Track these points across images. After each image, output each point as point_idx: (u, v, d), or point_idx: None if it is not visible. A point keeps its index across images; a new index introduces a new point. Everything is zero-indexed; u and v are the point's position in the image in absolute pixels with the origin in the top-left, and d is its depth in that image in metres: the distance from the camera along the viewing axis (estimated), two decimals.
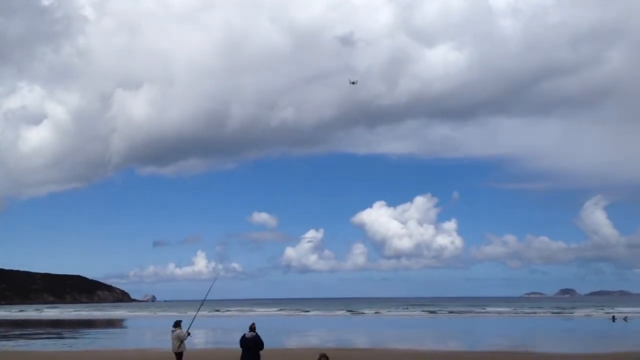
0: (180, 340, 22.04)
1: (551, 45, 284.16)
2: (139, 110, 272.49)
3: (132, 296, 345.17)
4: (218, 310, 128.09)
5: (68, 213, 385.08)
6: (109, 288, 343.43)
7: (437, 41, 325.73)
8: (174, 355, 22.21)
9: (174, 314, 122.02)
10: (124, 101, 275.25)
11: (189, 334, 22.30)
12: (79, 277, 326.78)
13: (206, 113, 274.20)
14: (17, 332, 62.42)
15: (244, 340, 19.51)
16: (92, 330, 67.79)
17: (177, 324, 22.56)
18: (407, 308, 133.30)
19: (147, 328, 71.96)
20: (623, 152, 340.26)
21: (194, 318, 23.48)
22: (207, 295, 25.57)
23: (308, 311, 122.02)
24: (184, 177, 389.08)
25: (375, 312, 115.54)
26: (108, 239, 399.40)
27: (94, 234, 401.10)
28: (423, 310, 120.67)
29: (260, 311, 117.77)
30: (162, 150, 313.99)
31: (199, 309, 26.24)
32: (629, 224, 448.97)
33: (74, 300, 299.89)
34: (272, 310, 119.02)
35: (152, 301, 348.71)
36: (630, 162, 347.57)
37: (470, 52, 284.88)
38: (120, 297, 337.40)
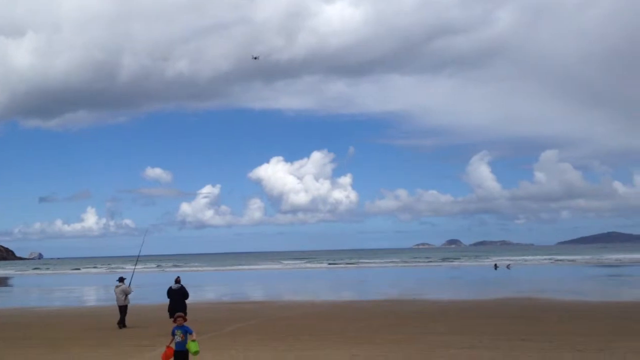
0: (126, 294, 23.80)
1: (444, 4, 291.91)
2: (22, 59, 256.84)
3: (17, 254, 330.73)
4: (110, 266, 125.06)
5: None
6: None
7: None
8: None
9: (62, 271, 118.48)
10: (5, 49, 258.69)
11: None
12: None
13: (95, 63, 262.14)
14: None
15: (170, 291, 22.18)
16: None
17: (121, 280, 24.32)
18: (307, 260, 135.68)
19: (32, 286, 69.50)
20: (508, 110, 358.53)
21: (133, 274, 25.30)
22: (140, 250, 27.48)
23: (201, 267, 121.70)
24: (71, 130, 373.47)
25: (269, 266, 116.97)
26: None
27: None
28: (317, 263, 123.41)
29: (145, 268, 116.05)
30: (48, 102, 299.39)
31: (135, 264, 29.06)
32: (511, 178, 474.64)
33: None
34: (151, 267, 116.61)
35: (39, 259, 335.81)
36: (515, 120, 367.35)
37: (366, 9, 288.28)
38: (4, 254, 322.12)
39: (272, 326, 23.73)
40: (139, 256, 28.06)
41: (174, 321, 12.89)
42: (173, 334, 12.70)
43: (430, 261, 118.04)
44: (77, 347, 19.06)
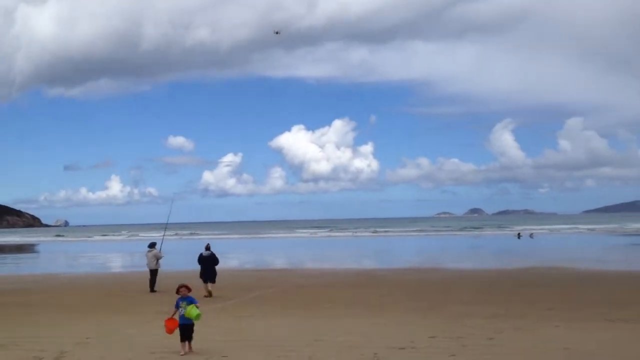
0: (157, 259, 24.98)
1: None
2: (45, 28, 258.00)
3: (44, 221, 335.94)
4: (137, 235, 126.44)
5: None
6: (18, 213, 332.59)
7: None
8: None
9: (88, 238, 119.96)
10: (28, 17, 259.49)
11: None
12: None
13: (117, 32, 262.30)
14: None
15: (202, 258, 23.01)
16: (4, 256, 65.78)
17: (152, 245, 25.46)
18: (329, 229, 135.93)
19: (57, 253, 70.37)
20: (532, 77, 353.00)
21: (162, 240, 26.31)
22: (168, 218, 29.72)
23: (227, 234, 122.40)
24: (94, 99, 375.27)
25: (290, 235, 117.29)
26: (15, 164, 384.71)
27: (0, 158, 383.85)
28: (338, 232, 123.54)
29: (175, 235, 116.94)
30: (70, 70, 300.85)
31: (164, 232, 29.68)
32: (535, 147, 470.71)
33: None
34: (184, 234, 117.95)
35: (65, 226, 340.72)
36: (539, 87, 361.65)
37: None
38: (31, 222, 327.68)
39: (293, 294, 23.63)
40: (167, 224, 29.85)
41: (177, 292, 12.14)
42: (177, 306, 11.98)
43: (452, 230, 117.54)
44: (95, 313, 19.06)
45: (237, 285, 26.13)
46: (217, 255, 23.31)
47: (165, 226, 30.28)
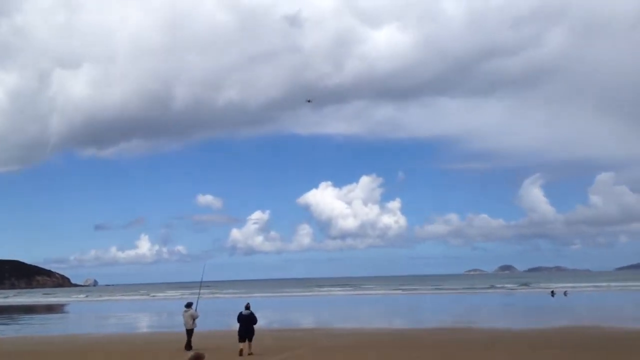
0: (193, 319, 25.71)
1: (494, 26, 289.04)
2: (79, 90, 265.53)
3: (73, 281, 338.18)
4: (153, 296, 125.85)
5: (5, 196, 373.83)
6: (48, 273, 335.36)
7: (382, 22, 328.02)
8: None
9: (118, 297, 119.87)
10: (63, 80, 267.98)
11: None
12: (16, 262, 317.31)
13: (149, 93, 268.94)
14: None
15: (241, 317, 23.59)
16: (33, 316, 65.53)
17: (189, 305, 26.20)
18: (356, 287, 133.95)
19: (89, 313, 69.98)
20: (561, 131, 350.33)
21: (198, 300, 27.04)
22: (202, 277, 30.44)
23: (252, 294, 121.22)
24: (126, 158, 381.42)
25: (319, 292, 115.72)
26: (47, 223, 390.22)
27: (32, 218, 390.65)
28: (367, 290, 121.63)
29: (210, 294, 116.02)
30: (103, 132, 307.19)
31: (199, 290, 30.88)
32: (566, 202, 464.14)
33: (12, 286, 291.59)
34: (219, 292, 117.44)
35: (94, 285, 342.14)
36: (568, 141, 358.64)
37: (414, 33, 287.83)
38: (60, 282, 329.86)
39: (320, 356, 22.73)
40: (201, 282, 30.57)
41: None
42: None
43: (483, 288, 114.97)
44: None
45: (263, 346, 25.28)
46: (255, 315, 23.82)
47: (200, 285, 31.11)
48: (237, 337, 23.43)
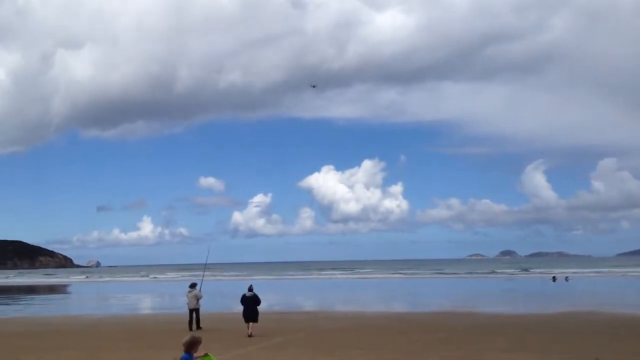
0: (197, 299, 26.26)
1: (497, 11, 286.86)
2: (82, 71, 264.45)
3: (76, 262, 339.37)
4: (156, 276, 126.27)
5: (7, 177, 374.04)
6: (50, 253, 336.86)
7: (386, 5, 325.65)
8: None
9: (118, 279, 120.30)
10: (65, 61, 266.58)
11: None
12: (19, 242, 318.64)
13: (151, 75, 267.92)
14: None
15: (244, 298, 23.82)
16: (33, 297, 65.77)
17: (193, 286, 26.75)
18: (358, 270, 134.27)
19: (94, 293, 70.25)
20: (564, 117, 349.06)
21: (202, 281, 27.80)
22: (207, 259, 31.18)
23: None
24: (128, 140, 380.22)
25: (321, 276, 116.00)
26: (49, 204, 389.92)
27: (34, 199, 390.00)
28: (368, 274, 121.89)
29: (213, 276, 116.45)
30: (106, 113, 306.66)
31: (204, 272, 30.99)
32: (568, 188, 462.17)
33: (15, 266, 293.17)
34: (221, 275, 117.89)
35: (97, 266, 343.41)
36: (571, 127, 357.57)
37: (418, 17, 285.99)
38: (63, 262, 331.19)
39: (320, 339, 22.64)
40: (206, 264, 31.17)
41: (190, 348, 9.13)
42: None
43: (484, 272, 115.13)
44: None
45: (263, 328, 25.21)
46: (259, 296, 24.11)
47: (204, 266, 31.56)
48: (238, 319, 23.62)
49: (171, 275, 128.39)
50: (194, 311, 26.28)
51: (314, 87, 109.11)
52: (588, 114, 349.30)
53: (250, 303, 23.73)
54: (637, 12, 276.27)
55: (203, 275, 29.94)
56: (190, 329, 25.53)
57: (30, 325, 30.98)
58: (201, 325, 26.15)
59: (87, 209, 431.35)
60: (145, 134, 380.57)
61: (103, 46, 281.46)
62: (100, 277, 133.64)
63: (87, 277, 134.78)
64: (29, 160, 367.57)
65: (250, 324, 23.40)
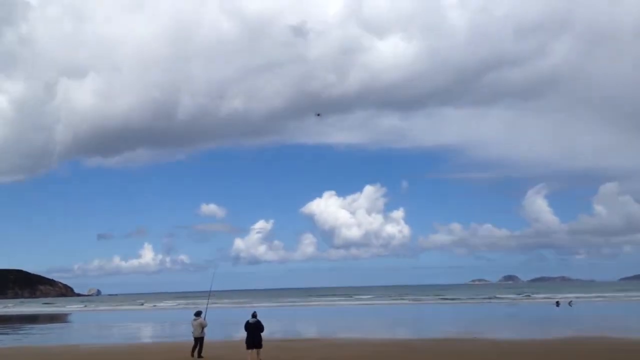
0: (202, 327, 26.36)
1: (498, 37, 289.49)
2: (84, 100, 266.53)
3: (76, 290, 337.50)
4: (160, 303, 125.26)
5: (9, 205, 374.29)
6: (51, 282, 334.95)
7: (387, 32, 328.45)
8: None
9: (129, 307, 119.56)
10: (68, 90, 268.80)
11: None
12: (20, 271, 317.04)
13: (154, 103, 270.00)
14: None
15: (248, 325, 23.90)
16: (33, 326, 65.12)
17: (198, 314, 26.82)
18: (357, 297, 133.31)
19: (91, 323, 69.58)
20: (565, 142, 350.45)
21: (206, 309, 27.56)
22: (211, 287, 30.92)
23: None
24: (130, 168, 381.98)
25: (322, 302, 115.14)
26: (51, 233, 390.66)
27: (36, 227, 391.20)
28: (371, 300, 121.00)
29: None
30: (108, 141, 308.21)
31: (208, 299, 30.99)
32: (570, 212, 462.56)
33: (15, 296, 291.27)
34: (223, 302, 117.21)
35: (97, 295, 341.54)
36: (572, 152, 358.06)
37: (419, 43, 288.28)
38: (64, 291, 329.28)
39: None
40: (210, 291, 30.95)
41: None
42: None
43: (487, 297, 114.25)
44: None
45: (266, 356, 24.89)
46: (262, 323, 24.11)
47: (208, 294, 31.50)
48: (241, 345, 23.65)
49: (170, 303, 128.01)
50: (199, 340, 26.43)
51: (318, 115, 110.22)
52: (589, 139, 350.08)
53: (254, 330, 23.82)
54: (637, 36, 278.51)
55: (207, 303, 29.98)
56: (192, 355, 26.01)
57: (26, 356, 30.54)
58: (202, 354, 26.13)
59: (88, 237, 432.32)
60: (147, 161, 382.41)
61: (105, 75, 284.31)
62: (97, 306, 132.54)
63: (85, 306, 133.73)
64: (31, 188, 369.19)
65: (254, 350, 23.60)
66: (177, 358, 26.26)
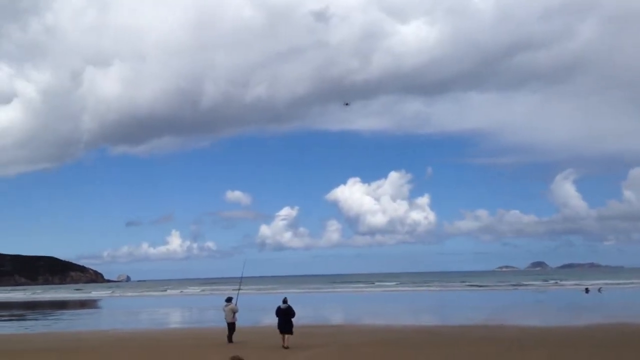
0: (234, 312, 26.89)
1: (523, 19, 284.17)
2: (110, 88, 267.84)
3: (106, 277, 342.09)
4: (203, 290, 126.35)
5: (38, 193, 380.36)
6: (81, 269, 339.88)
7: (410, 16, 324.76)
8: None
9: (153, 293, 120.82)
10: (94, 79, 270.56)
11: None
12: (50, 258, 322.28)
13: (179, 91, 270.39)
14: None
15: (279, 310, 24.65)
16: (77, 311, 65.96)
17: (229, 300, 27.57)
18: (382, 284, 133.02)
19: (119, 308, 70.27)
20: (593, 125, 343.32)
21: (238, 295, 28.07)
22: (242, 274, 31.14)
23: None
24: (157, 156, 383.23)
25: (348, 288, 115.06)
26: (80, 220, 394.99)
27: (65, 215, 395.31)
28: (392, 286, 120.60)
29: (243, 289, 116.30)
30: (134, 129, 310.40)
31: (239, 286, 31.07)
32: (599, 197, 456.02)
33: (46, 282, 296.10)
34: (250, 288, 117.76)
35: (127, 281, 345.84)
36: (600, 135, 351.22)
37: (442, 27, 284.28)
38: (94, 277, 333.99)
39: (347, 354, 22.00)
40: (241, 278, 31.41)
41: None
42: None
43: (515, 284, 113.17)
44: None
45: (290, 342, 24.74)
46: (293, 309, 24.67)
47: (240, 280, 31.94)
48: (268, 331, 24.86)
49: (195, 289, 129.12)
50: (231, 325, 26.83)
51: (347, 105, 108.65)
52: (618, 122, 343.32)
53: (285, 315, 24.40)
54: None
55: (239, 289, 30.38)
56: (230, 341, 26.30)
57: (55, 341, 30.79)
58: (233, 339, 26.42)
59: (117, 224, 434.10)
60: (172, 149, 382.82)
61: (130, 63, 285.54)
62: (124, 292, 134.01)
63: (112, 292, 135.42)
64: (59, 177, 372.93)
65: (286, 335, 24.07)
66: (203, 344, 26.20)
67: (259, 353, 22.03)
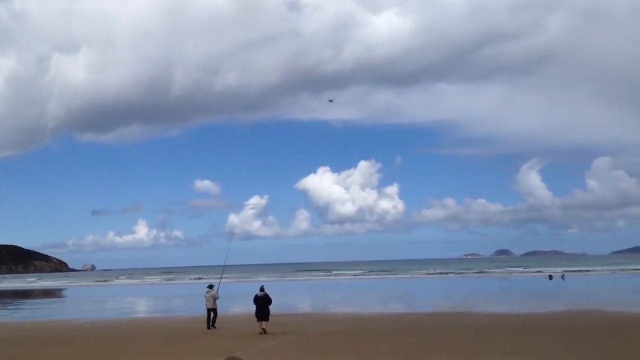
0: (214, 299, 27.91)
1: (493, 11, 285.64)
2: (77, 75, 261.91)
3: (71, 266, 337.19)
4: (171, 279, 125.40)
5: (2, 181, 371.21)
6: (45, 258, 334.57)
7: (382, 7, 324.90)
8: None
9: (115, 282, 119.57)
10: (61, 65, 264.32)
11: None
12: (14, 246, 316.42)
13: (147, 78, 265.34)
14: None
15: (257, 298, 25.48)
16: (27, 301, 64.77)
17: (211, 287, 28.61)
18: (350, 272, 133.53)
19: (85, 297, 69.28)
20: (559, 117, 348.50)
21: (219, 283, 29.42)
22: (225, 262, 33.57)
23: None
24: (124, 144, 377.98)
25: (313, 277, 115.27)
26: (45, 208, 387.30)
27: (29, 203, 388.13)
28: (363, 274, 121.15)
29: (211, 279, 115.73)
30: (102, 116, 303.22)
31: (221, 275, 32.68)
32: (563, 186, 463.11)
33: (10, 271, 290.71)
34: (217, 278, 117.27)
35: (91, 270, 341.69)
36: (566, 127, 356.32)
37: (414, 18, 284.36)
38: (58, 266, 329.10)
39: (313, 343, 21.80)
40: (224, 266, 33.30)
41: None
42: None
43: (480, 272, 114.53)
44: None
45: (252, 332, 24.56)
46: (270, 296, 25.53)
47: (222, 269, 33.22)
48: (242, 318, 26.50)
49: (156, 278, 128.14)
50: (212, 311, 27.75)
51: (331, 101, 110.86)
52: (583, 114, 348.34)
53: (262, 302, 25.19)
54: (633, 11, 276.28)
55: (221, 277, 31.58)
56: (208, 327, 27.21)
57: (13, 330, 30.12)
58: (216, 325, 27.46)
59: (83, 212, 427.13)
60: (140, 137, 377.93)
61: (99, 50, 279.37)
62: (78, 281, 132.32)
63: (69, 282, 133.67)
64: (24, 164, 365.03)
65: (263, 322, 24.77)
66: (176, 333, 25.82)
67: (237, 341, 21.68)
